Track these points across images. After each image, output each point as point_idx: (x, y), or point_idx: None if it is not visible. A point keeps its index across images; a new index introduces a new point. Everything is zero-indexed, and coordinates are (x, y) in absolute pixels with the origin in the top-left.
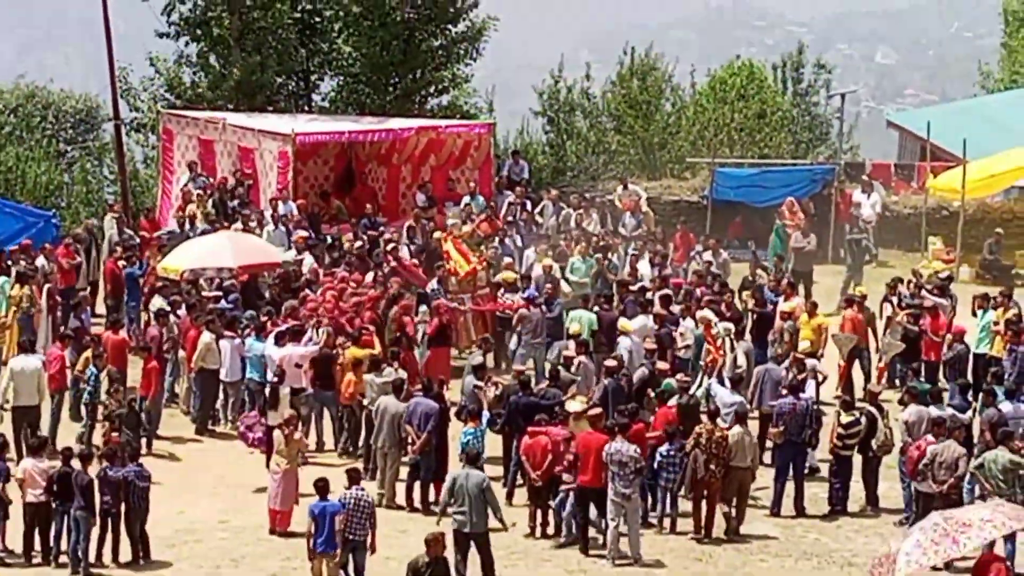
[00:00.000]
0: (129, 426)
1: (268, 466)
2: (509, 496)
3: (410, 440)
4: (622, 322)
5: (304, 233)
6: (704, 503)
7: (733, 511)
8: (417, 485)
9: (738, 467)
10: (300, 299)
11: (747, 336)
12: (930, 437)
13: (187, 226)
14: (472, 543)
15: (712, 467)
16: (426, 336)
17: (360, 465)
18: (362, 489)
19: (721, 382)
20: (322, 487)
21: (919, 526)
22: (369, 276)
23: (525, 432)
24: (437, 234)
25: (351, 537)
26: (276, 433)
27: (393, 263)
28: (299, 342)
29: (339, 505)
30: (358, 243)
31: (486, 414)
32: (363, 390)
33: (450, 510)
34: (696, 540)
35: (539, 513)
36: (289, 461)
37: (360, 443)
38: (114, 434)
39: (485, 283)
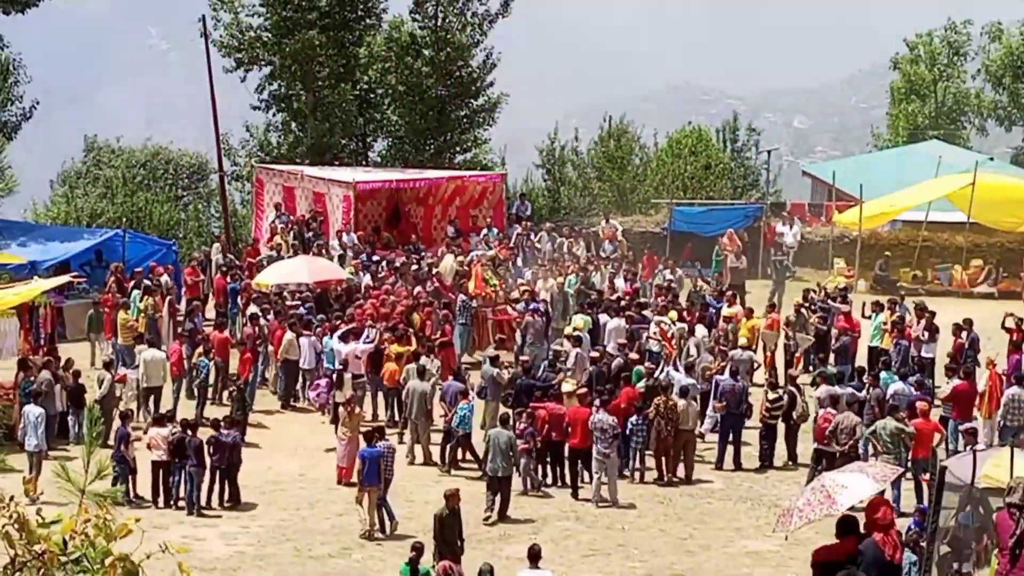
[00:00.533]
0: (235, 403)
1: (336, 433)
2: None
3: (442, 413)
4: (574, 320)
5: (355, 260)
6: (663, 457)
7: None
8: (447, 448)
9: (684, 430)
10: (356, 306)
11: (697, 333)
12: (832, 410)
13: (276, 253)
14: (499, 485)
15: (667, 428)
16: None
17: (387, 428)
18: (387, 440)
19: (676, 368)
20: (368, 436)
21: (810, 487)
22: (417, 289)
23: (527, 405)
24: (467, 257)
25: (388, 476)
26: (341, 409)
27: (436, 283)
28: (358, 339)
29: (380, 450)
30: (413, 266)
31: (473, 394)
32: (403, 376)
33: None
34: (658, 485)
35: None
36: (351, 431)
37: (400, 415)
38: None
39: (502, 300)
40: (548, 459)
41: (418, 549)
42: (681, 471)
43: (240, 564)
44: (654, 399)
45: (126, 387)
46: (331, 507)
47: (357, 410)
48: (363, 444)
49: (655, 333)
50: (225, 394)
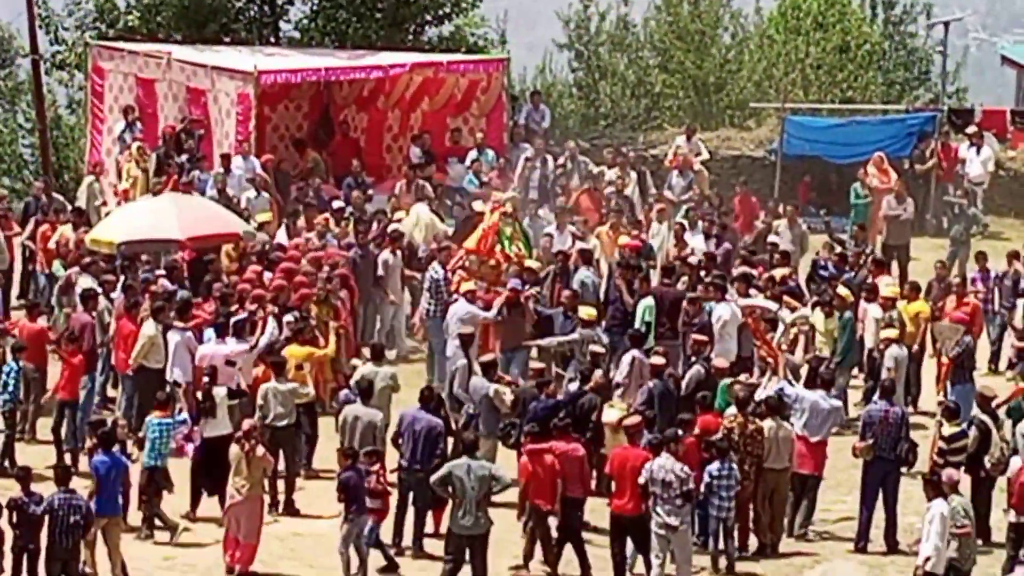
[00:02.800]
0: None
1: (227, 488)
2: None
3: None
4: (640, 304)
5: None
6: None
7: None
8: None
9: (774, 469)
10: (241, 279)
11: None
12: None
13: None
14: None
15: (744, 467)
16: None
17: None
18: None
19: (791, 383)
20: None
21: None
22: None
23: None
24: (479, 205)
25: None
26: (233, 449)
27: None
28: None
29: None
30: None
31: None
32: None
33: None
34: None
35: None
36: (251, 483)
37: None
38: None
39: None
40: (564, 530)
41: None
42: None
43: None
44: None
45: None
46: None
47: (260, 450)
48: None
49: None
50: (40, 420)
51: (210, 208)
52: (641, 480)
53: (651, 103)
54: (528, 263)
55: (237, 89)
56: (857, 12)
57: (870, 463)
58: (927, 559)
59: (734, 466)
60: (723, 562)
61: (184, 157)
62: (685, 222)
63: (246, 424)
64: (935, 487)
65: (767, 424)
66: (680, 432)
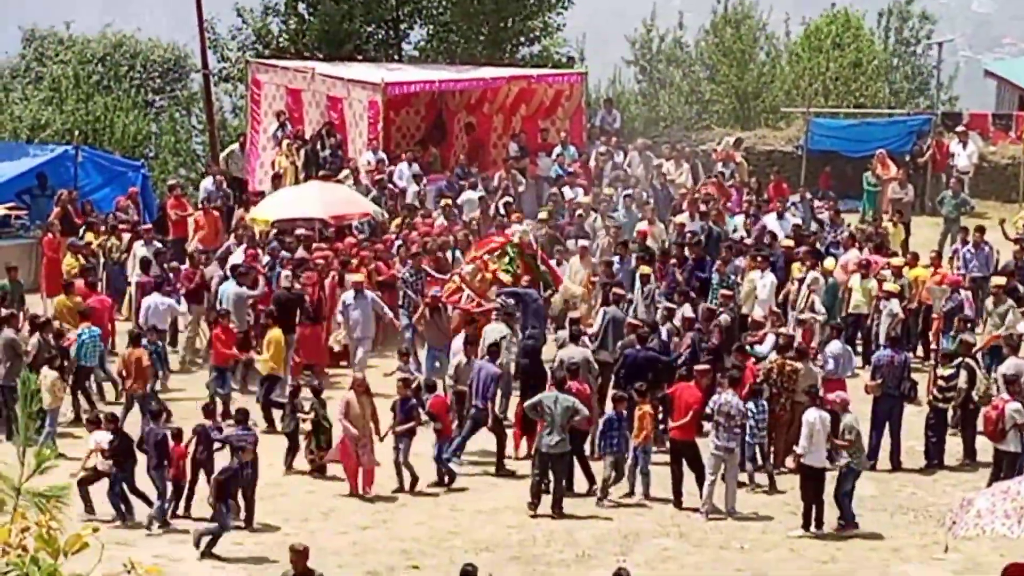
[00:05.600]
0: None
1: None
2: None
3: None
4: (751, 275)
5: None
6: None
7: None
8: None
9: (799, 402)
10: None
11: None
12: (1006, 395)
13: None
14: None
15: (781, 400)
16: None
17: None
18: None
19: None
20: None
21: (1001, 488)
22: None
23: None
24: (568, 192)
25: None
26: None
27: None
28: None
29: None
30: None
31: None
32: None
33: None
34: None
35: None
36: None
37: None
38: None
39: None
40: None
41: (469, 574)
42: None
43: None
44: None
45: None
46: (350, 518)
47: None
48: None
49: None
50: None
51: (347, 192)
52: (707, 410)
53: (701, 108)
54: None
55: (368, 97)
56: (868, 35)
57: (879, 399)
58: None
59: (765, 403)
60: (764, 478)
61: (327, 152)
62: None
63: (359, 375)
64: (813, 399)
65: (800, 366)
66: (737, 374)
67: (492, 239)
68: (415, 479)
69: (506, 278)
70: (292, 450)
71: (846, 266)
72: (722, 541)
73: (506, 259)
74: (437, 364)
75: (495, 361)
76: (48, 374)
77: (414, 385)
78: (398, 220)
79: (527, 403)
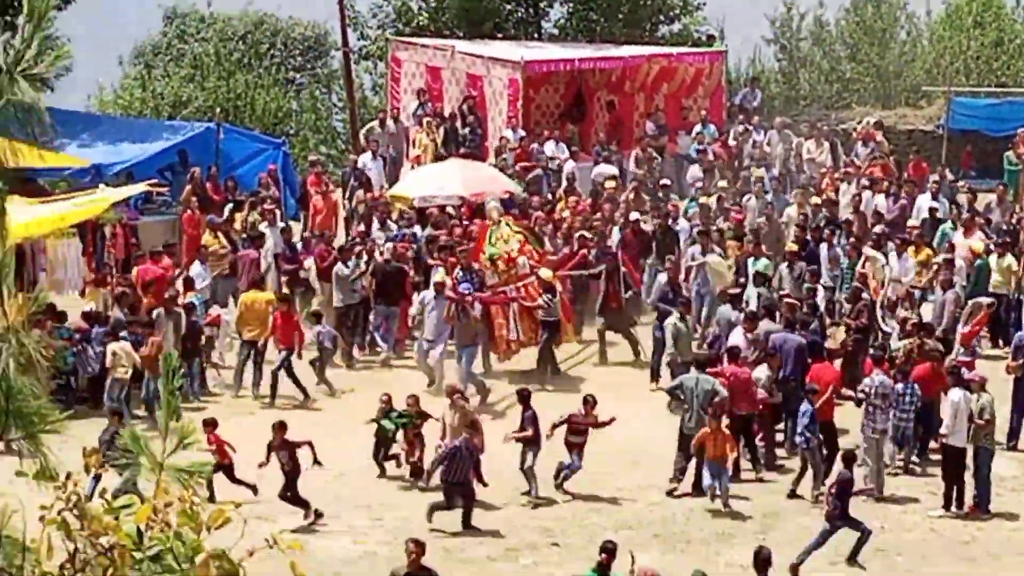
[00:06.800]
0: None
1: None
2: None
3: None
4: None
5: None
6: None
7: None
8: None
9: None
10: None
11: None
12: None
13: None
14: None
15: None
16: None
17: None
18: None
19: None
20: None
21: None
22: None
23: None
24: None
25: None
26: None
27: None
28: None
29: None
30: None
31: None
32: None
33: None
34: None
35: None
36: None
37: None
38: None
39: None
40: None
41: (610, 551)
42: None
43: (370, 569)
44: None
45: (219, 333)
46: (493, 495)
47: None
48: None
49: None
50: None
51: (487, 170)
52: (862, 393)
53: (841, 87)
54: (521, 260)
55: (508, 75)
56: (1010, 13)
57: (1020, 379)
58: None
59: (915, 385)
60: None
61: (467, 130)
62: (867, 184)
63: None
64: (957, 379)
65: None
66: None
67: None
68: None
69: (523, 260)
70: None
71: (973, 248)
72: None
73: (493, 242)
74: (465, 363)
75: None
76: (118, 346)
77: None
78: (552, 199)
79: (668, 385)
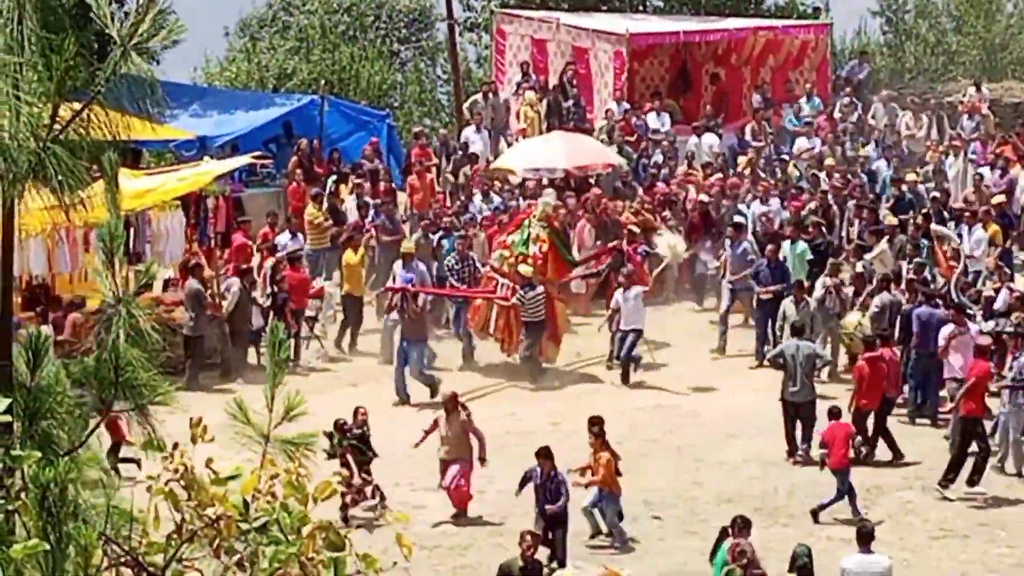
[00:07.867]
0: None
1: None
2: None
3: None
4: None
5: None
6: None
7: None
8: None
9: None
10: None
11: None
12: None
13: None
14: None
15: None
16: None
17: None
18: None
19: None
20: None
21: None
22: None
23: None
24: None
25: None
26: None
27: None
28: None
29: None
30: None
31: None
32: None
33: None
34: None
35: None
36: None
37: None
38: None
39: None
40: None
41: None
42: None
43: (473, 540)
44: None
45: (324, 305)
46: None
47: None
48: None
49: None
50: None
51: (590, 143)
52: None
53: (947, 59)
54: (521, 268)
55: (613, 48)
56: None
57: None
58: None
59: None
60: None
61: (570, 103)
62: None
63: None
64: None
65: None
66: None
67: (520, 215)
68: None
69: (525, 269)
70: None
71: None
72: (965, 495)
73: (524, 235)
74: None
75: None
76: None
77: None
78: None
79: (770, 353)
